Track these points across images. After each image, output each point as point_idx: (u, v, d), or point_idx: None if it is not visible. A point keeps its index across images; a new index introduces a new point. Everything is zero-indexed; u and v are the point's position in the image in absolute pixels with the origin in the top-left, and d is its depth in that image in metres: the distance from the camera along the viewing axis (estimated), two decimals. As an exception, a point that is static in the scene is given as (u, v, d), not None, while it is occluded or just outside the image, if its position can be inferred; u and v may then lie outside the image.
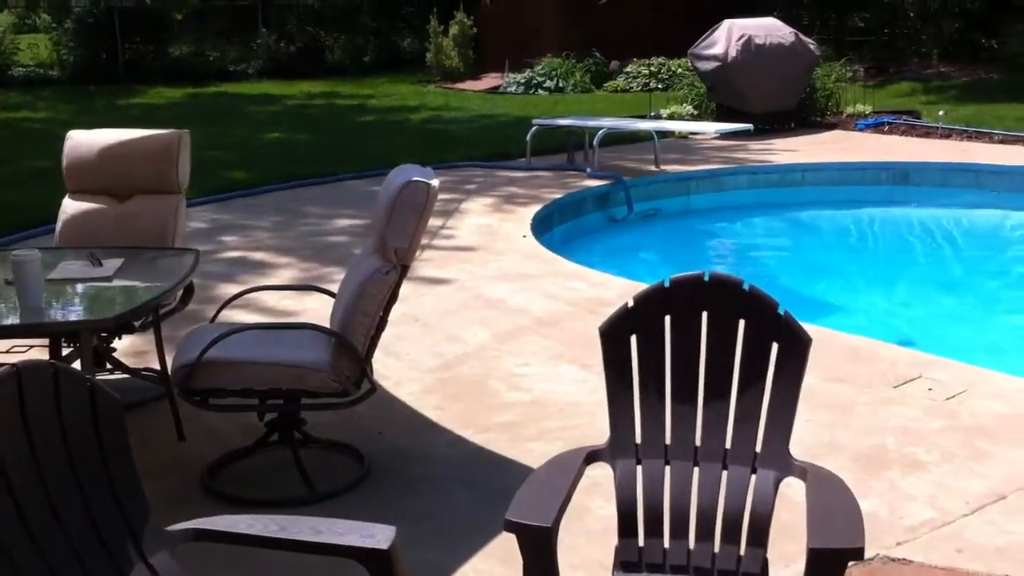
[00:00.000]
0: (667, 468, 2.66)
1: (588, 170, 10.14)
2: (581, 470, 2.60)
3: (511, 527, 2.30)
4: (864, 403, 4.57)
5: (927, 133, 12.35)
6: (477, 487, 3.93)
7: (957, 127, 12.32)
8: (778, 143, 11.88)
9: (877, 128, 12.85)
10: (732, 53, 12.66)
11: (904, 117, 13.26)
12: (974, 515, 3.59)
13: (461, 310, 6.08)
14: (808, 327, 2.63)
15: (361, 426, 4.39)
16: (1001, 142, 11.66)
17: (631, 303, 2.67)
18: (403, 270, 3.82)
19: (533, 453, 4.10)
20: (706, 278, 2.64)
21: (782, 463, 2.60)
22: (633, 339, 2.66)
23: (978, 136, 11.98)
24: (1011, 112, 13.14)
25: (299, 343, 3.89)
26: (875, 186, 10.46)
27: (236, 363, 3.78)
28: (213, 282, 6.44)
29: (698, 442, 2.66)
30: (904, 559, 3.35)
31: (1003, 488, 3.76)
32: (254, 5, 23.54)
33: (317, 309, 5.38)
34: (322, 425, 4.20)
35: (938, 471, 3.93)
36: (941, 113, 12.59)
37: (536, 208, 8.77)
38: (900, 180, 10.51)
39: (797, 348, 2.59)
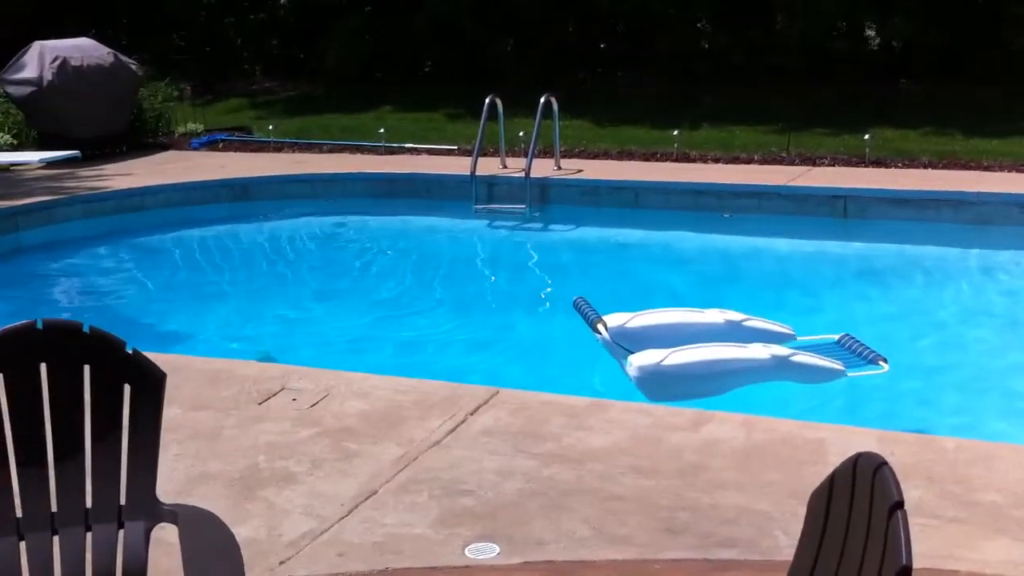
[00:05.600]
0: (23, 544, 2.36)
1: None
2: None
3: None
4: (231, 426, 4.51)
5: (260, 148, 12.72)
6: None
7: (288, 140, 12.85)
8: (111, 168, 11.44)
9: (212, 145, 12.96)
10: (47, 76, 11.95)
11: (237, 133, 13.54)
12: (350, 516, 3.69)
13: None
14: (161, 358, 2.50)
15: None
16: (331, 151, 12.39)
17: (-49, 366, 2.31)
18: None
19: None
20: (39, 325, 2.37)
21: (150, 510, 2.47)
22: (-41, 406, 2.31)
23: (308, 148, 12.60)
24: (335, 123, 14.00)
25: None
26: (217, 204, 10.51)
27: None
28: None
29: (55, 508, 2.40)
30: (289, 576, 3.34)
31: (372, 484, 3.92)
32: None
33: None
34: None
35: (311, 480, 3.99)
36: (271, 127, 13.04)
37: None
38: (241, 196, 10.68)
39: (151, 386, 2.45)
